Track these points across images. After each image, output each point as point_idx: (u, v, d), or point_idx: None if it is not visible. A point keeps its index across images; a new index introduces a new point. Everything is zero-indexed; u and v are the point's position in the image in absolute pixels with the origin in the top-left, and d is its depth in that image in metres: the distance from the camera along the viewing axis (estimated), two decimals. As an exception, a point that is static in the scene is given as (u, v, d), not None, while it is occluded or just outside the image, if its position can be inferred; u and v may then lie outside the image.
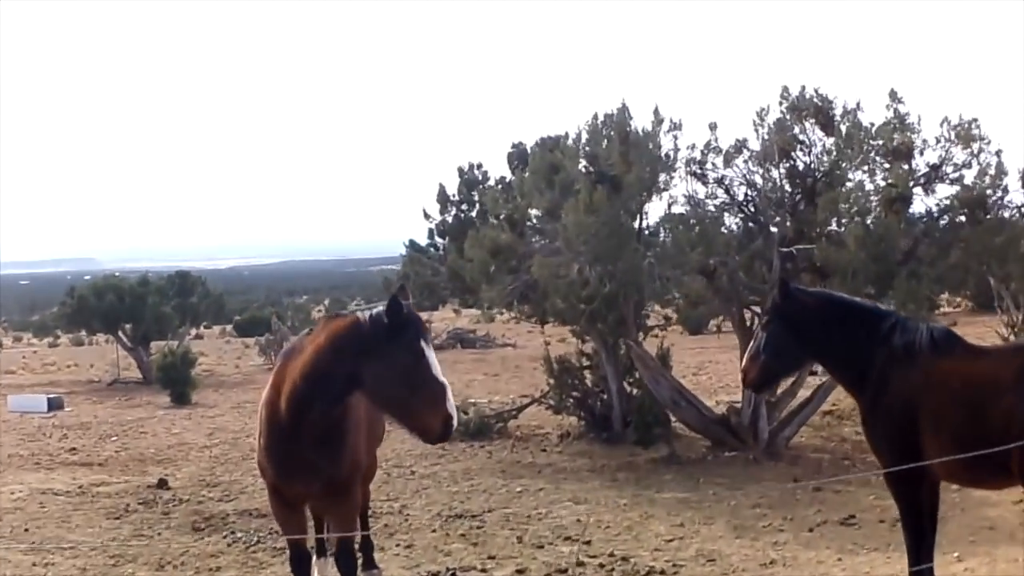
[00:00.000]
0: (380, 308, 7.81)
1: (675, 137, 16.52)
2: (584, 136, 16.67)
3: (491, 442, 19.60)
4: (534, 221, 16.85)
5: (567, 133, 17.14)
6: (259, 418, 8.77)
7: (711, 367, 31.18)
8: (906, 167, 15.97)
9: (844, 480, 14.81)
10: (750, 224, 17.44)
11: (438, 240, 22.47)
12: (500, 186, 20.41)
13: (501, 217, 17.70)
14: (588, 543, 12.25)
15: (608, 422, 19.37)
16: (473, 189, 21.93)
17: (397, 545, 12.34)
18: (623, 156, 16.01)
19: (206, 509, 14.89)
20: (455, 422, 7.67)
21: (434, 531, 13.07)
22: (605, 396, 19.65)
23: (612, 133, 16.29)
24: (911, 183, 15.85)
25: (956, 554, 11.00)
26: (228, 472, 17.96)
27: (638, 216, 16.47)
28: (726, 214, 17.28)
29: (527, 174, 16.85)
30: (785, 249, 16.42)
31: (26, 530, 13.82)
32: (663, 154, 16.35)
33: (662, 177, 16.29)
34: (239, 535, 13.20)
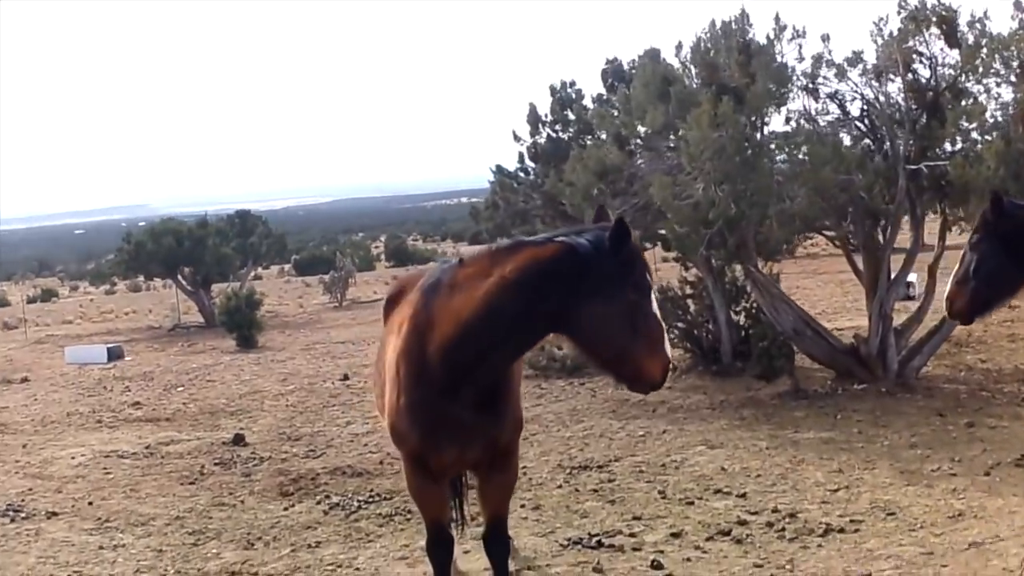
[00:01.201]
0: (598, 234, 6.47)
1: (799, 46, 14.91)
2: (703, 45, 15.01)
3: (591, 379, 17.98)
4: (642, 139, 15.24)
5: (680, 43, 15.50)
6: (387, 372, 7.30)
7: (799, 292, 29.58)
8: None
9: (995, 414, 13.37)
10: (866, 142, 15.84)
11: (529, 164, 20.77)
12: (600, 104, 18.64)
13: (606, 135, 16.16)
14: (743, 496, 10.85)
15: (717, 354, 17.96)
16: (567, 108, 20.23)
17: (522, 506, 10.80)
18: (743, 67, 14.41)
19: (292, 468, 13.46)
20: (669, 366, 6.52)
21: (559, 487, 11.66)
22: (711, 327, 18.23)
23: (730, 42, 14.65)
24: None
25: None
26: (309, 423, 16.55)
27: (760, 132, 14.86)
28: (842, 132, 15.64)
29: (637, 87, 15.21)
30: (913, 167, 14.86)
31: (90, 503, 12.35)
32: (786, 65, 14.73)
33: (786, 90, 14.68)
34: (335, 500, 11.76)
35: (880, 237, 15.94)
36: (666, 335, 6.48)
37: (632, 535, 9.86)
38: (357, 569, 9.37)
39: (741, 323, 18.37)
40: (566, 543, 9.68)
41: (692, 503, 10.73)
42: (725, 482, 11.36)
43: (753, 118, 14.41)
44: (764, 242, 16.79)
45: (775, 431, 13.49)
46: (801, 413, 14.43)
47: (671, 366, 6.57)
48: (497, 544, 7.52)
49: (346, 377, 20.40)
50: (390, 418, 7.21)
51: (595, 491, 11.39)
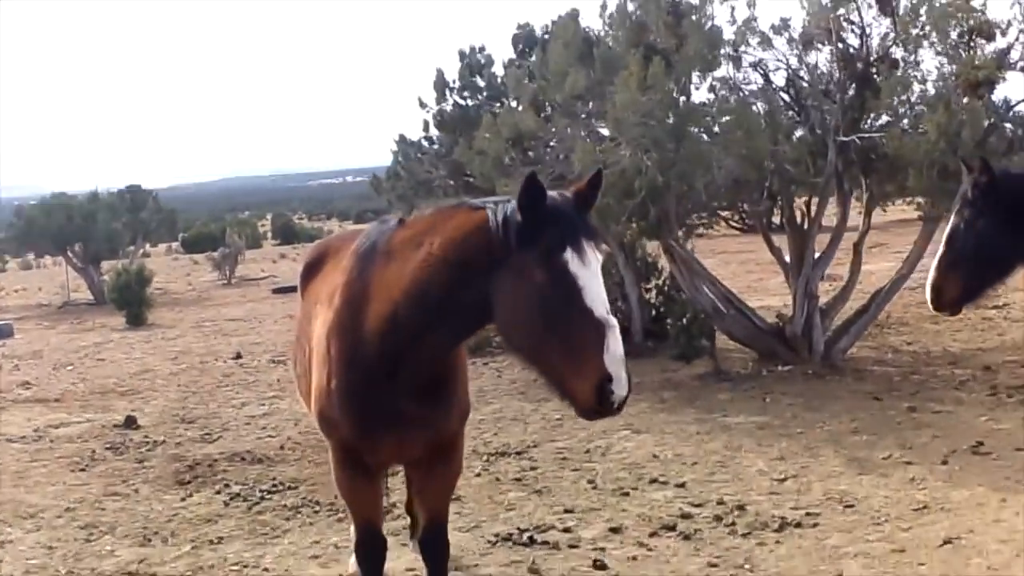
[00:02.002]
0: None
1: (732, 8, 13.97)
2: (629, 5, 13.96)
3: (494, 358, 16.91)
4: (560, 104, 14.14)
5: (604, 2, 14.40)
6: (315, 350, 6.14)
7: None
8: (993, 48, 13.59)
9: (936, 399, 12.62)
10: (790, 113, 14.99)
11: (434, 133, 19.65)
12: (513, 68, 17.53)
13: (521, 100, 15.09)
14: (683, 486, 9.88)
15: (627, 334, 17.02)
16: (476, 74, 19.14)
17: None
18: (672, 28, 13.42)
19: (188, 454, 12.20)
20: (619, 388, 4.84)
21: (478, 475, 10.57)
22: (621, 304, 17.27)
23: (659, 2, 13.61)
24: (1001, 67, 13.42)
25: None
26: (203, 404, 15.30)
27: (689, 97, 13.90)
28: (761, 102, 14.72)
29: (556, 49, 14.09)
30: (844, 138, 14.04)
31: (-25, 493, 11.02)
32: (720, 28, 13.78)
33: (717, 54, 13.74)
34: (236, 489, 10.56)
35: (801, 213, 15.18)
36: (610, 337, 4.87)
37: (566, 530, 8.83)
38: (265, 570, 8.23)
39: (652, 301, 17.52)
40: (495, 539, 8.63)
41: (627, 494, 9.73)
42: (659, 470, 10.40)
43: (683, 82, 13.45)
44: (686, 215, 15.90)
45: (702, 415, 12.58)
46: (726, 396, 13.54)
47: (628, 391, 4.89)
48: (437, 546, 6.45)
49: (239, 356, 19.27)
50: (318, 403, 6.07)
51: (518, 480, 10.36)
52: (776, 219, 20.31)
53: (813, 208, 15.12)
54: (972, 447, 10.40)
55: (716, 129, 13.47)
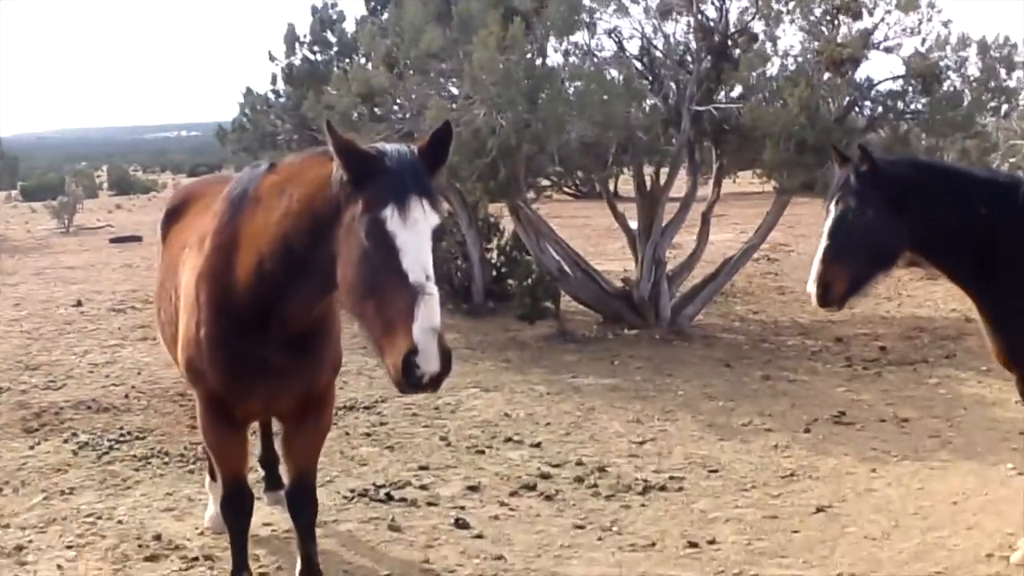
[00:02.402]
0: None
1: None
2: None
3: (333, 308, 16.35)
4: (413, 61, 13.56)
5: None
6: (183, 297, 5.74)
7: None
8: (859, 26, 13.53)
9: (788, 368, 12.52)
10: (644, 82, 14.72)
11: (282, 87, 18.99)
12: (365, 24, 16.92)
13: (374, 56, 14.49)
14: (539, 446, 9.53)
15: (468, 293, 16.60)
16: (327, 29, 18.52)
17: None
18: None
19: (33, 401, 11.36)
20: (426, 364, 4.47)
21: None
22: (463, 264, 16.84)
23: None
24: (865, 45, 13.36)
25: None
26: (46, 351, 14.30)
27: (546, 59, 13.51)
28: (613, 68, 14.41)
29: (413, 6, 13.49)
30: (700, 108, 13.84)
31: None
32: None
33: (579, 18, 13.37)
34: (84, 438, 9.84)
35: (651, 180, 14.98)
36: (424, 306, 4.52)
37: (423, 487, 8.42)
38: (120, 522, 7.64)
39: (493, 262, 17.15)
40: (350, 495, 8.18)
41: (482, 452, 9.35)
42: (513, 429, 10.02)
43: (542, 44, 13.06)
44: (535, 177, 15.53)
45: (550, 375, 12.24)
46: (573, 357, 13.22)
47: (439, 367, 4.52)
48: (305, 501, 6.11)
49: (79, 303, 18.26)
50: (185, 352, 5.65)
51: (368, 435, 9.88)
52: (615, 187, 20.11)
53: (663, 176, 14.92)
54: (834, 417, 10.27)
55: (571, 93, 13.02)
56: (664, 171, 15.03)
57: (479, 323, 15.55)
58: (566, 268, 14.83)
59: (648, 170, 15.31)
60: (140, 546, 7.11)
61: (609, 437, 9.80)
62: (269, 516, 7.67)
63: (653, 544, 7.30)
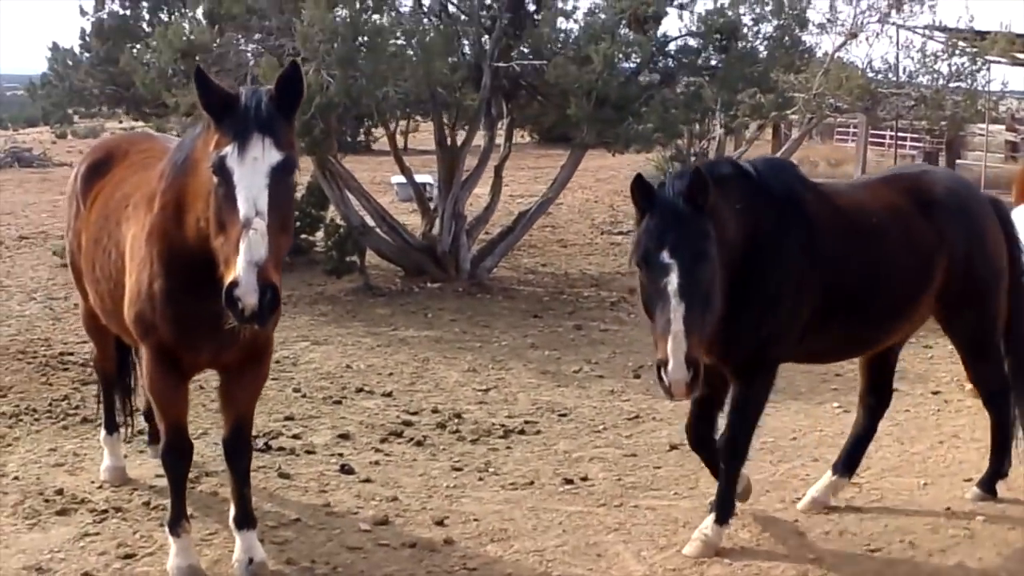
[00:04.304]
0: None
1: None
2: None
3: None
4: (236, 17, 13.58)
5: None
6: (131, 252, 5.98)
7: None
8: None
9: (595, 318, 13.27)
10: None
11: (92, 42, 18.43)
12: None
13: (195, 10, 14.42)
14: (390, 395, 9.97)
15: (267, 247, 16.69)
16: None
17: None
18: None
19: None
20: (244, 296, 4.83)
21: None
22: (259, 219, 16.90)
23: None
24: (668, 3, 14.18)
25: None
26: None
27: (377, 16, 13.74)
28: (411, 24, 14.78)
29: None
30: (502, 64, 14.40)
31: None
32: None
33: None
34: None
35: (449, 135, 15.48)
36: (246, 242, 4.84)
37: (296, 437, 8.74)
38: (16, 478, 7.66)
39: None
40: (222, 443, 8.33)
41: (339, 403, 9.71)
42: (360, 380, 10.42)
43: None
44: (345, 133, 15.78)
45: (372, 328, 12.63)
46: (385, 311, 13.63)
47: (255, 300, 4.84)
48: (244, 449, 6.35)
49: None
50: (136, 306, 5.89)
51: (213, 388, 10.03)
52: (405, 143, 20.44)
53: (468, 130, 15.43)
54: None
55: (393, 49, 13.33)
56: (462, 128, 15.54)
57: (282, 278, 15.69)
58: (371, 222, 15.19)
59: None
60: (46, 501, 7.18)
61: (452, 386, 10.31)
62: (157, 467, 7.79)
63: (531, 483, 7.83)
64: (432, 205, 15.95)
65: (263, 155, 5.01)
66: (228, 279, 4.87)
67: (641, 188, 5.83)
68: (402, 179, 19.56)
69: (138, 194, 6.10)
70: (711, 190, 5.76)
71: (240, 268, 4.80)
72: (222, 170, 5.01)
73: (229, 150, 5.00)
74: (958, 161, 27.47)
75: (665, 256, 5.66)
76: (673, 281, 5.62)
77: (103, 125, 33.18)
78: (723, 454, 6.58)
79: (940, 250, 6.78)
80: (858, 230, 6.63)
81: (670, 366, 5.63)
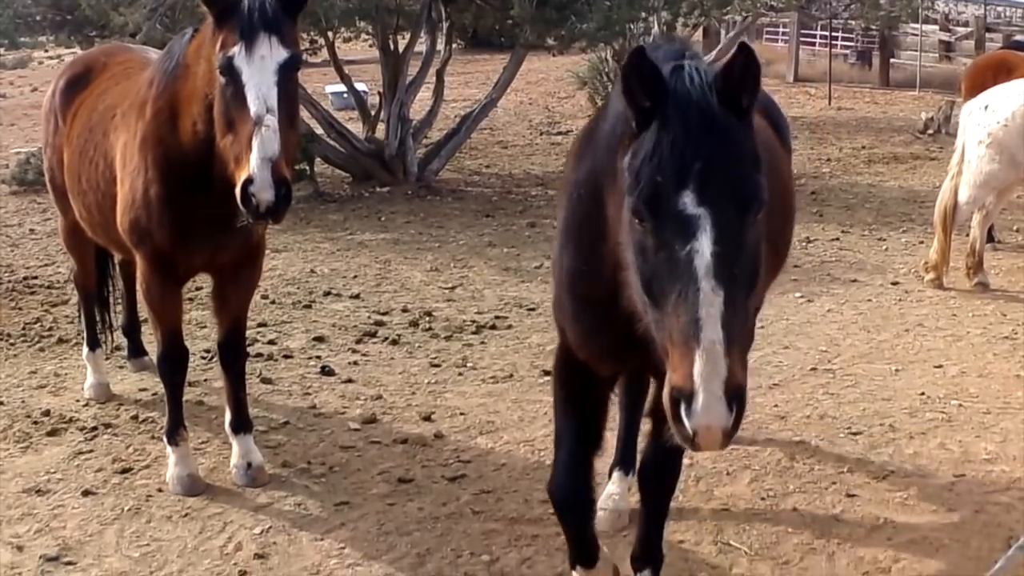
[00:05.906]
0: None
1: None
2: None
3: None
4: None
5: None
6: (124, 160, 5.91)
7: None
8: None
9: (545, 216, 13.21)
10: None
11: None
12: None
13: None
14: (358, 297, 9.95)
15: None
16: None
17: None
18: None
19: None
20: (260, 192, 4.86)
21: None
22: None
23: None
24: None
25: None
26: None
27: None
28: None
29: None
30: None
31: None
32: None
33: None
34: None
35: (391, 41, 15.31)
36: (258, 139, 4.83)
37: (272, 343, 8.73)
38: (2, 403, 7.52)
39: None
40: (207, 355, 8.25)
41: (309, 307, 9.68)
42: (326, 285, 10.36)
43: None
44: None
45: (329, 234, 12.52)
46: (338, 216, 13.50)
47: (272, 196, 4.88)
48: (240, 352, 6.37)
49: None
50: (130, 213, 5.83)
51: (191, 299, 9.91)
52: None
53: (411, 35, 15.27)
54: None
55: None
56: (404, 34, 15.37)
57: (227, 188, 15.53)
58: (320, 130, 15.02)
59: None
60: (35, 423, 7.09)
61: (418, 286, 10.30)
62: (140, 381, 7.81)
63: (511, 376, 7.89)
64: (372, 112, 15.79)
65: (270, 53, 4.98)
66: (241, 177, 4.85)
67: (643, 72, 3.24)
68: (337, 88, 19.43)
69: (125, 103, 6.03)
70: (760, 81, 3.35)
71: (254, 165, 4.80)
72: (230, 70, 4.96)
73: (236, 50, 4.96)
74: (892, 60, 27.49)
75: (690, 203, 3.14)
76: (704, 249, 3.11)
77: (30, 55, 32.08)
78: (660, 486, 4.65)
79: None
80: None
81: (699, 400, 3.02)
